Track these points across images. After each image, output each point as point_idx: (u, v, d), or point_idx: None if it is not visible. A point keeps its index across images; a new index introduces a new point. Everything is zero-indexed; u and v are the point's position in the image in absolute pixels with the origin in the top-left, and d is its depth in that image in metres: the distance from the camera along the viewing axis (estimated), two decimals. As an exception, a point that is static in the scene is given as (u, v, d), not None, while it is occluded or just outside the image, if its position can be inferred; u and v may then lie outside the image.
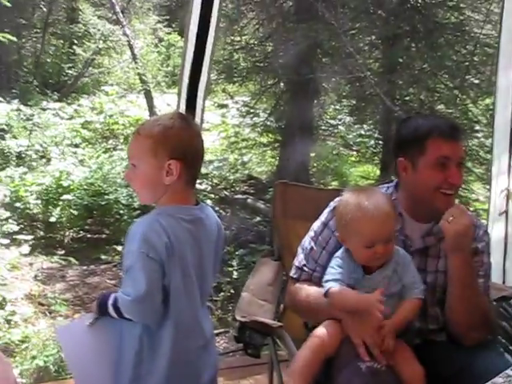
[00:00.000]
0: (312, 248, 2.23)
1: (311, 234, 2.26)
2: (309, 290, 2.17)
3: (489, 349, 2.08)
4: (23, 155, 8.34)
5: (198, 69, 2.45)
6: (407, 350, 1.95)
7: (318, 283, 2.15)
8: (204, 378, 2.01)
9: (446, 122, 2.19)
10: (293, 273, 2.29)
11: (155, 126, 1.91)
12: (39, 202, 6.77)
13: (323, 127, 9.44)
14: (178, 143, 1.87)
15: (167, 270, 1.85)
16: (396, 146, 2.21)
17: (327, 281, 2.03)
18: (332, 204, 2.23)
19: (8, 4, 4.28)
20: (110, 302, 1.93)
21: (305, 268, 2.24)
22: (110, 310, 1.93)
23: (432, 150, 2.04)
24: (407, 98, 7.70)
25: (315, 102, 8.61)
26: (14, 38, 4.56)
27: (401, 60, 7.46)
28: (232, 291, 5.50)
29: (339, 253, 2.07)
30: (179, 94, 2.53)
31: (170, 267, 1.85)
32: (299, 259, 2.28)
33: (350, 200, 1.99)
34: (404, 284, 1.97)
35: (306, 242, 2.27)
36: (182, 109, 2.53)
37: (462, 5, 7.53)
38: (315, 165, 9.04)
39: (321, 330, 1.97)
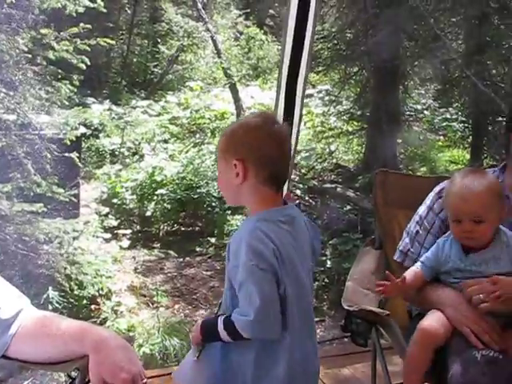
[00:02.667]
0: (418, 232, 2.25)
1: (416, 218, 2.28)
2: None
3: None
4: (117, 152, 8.69)
5: (297, 62, 2.48)
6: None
7: None
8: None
9: None
10: (397, 256, 2.32)
11: (234, 124, 1.87)
12: (134, 197, 7.02)
13: (408, 113, 9.29)
14: (244, 142, 1.76)
15: (280, 277, 1.73)
16: (508, 121, 2.21)
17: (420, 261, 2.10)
18: (437, 188, 2.26)
19: (104, 10, 4.47)
20: (221, 326, 1.77)
21: (409, 253, 2.27)
22: (223, 335, 1.77)
23: None
24: (497, 79, 7.45)
25: (400, 87, 8.48)
26: (113, 42, 4.75)
27: (489, 39, 7.21)
28: (326, 280, 5.54)
29: (447, 234, 2.08)
30: (278, 88, 2.57)
31: (283, 274, 1.73)
32: (404, 243, 2.30)
33: (454, 176, 2.03)
34: None
35: (412, 225, 2.29)
36: (282, 102, 2.57)
37: (555, -24, 7.19)
38: (402, 151, 8.91)
39: (426, 322, 1.96)
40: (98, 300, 5.05)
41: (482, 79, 6.90)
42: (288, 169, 1.85)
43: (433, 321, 1.96)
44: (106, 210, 6.79)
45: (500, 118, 7.40)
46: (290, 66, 2.52)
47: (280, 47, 2.53)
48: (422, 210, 2.28)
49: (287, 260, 1.74)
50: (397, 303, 2.56)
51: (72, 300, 4.74)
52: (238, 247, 1.73)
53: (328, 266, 5.82)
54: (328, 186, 7.94)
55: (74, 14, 4.48)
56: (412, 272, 2.08)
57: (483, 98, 6.61)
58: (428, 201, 2.27)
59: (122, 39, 12.57)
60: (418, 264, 2.09)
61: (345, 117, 8.77)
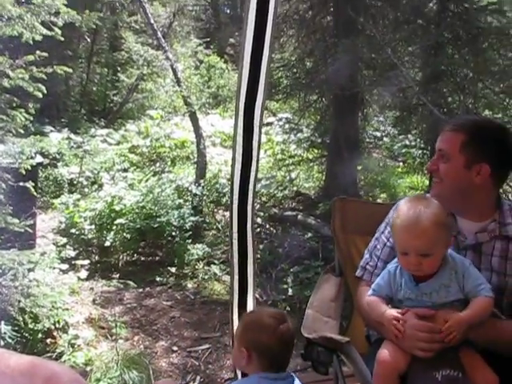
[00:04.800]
0: (375, 246, 2.31)
1: (376, 234, 2.34)
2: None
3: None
4: (75, 182, 8.55)
5: (254, 89, 2.47)
6: (477, 357, 1.88)
7: None
8: None
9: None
10: (357, 272, 2.35)
11: (252, 315, 2.38)
12: (93, 227, 6.88)
13: (367, 140, 9.42)
14: (254, 338, 2.11)
15: None
16: None
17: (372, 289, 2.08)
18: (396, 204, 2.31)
19: (61, 38, 4.42)
20: None
21: (367, 266, 2.31)
22: None
23: None
24: (453, 106, 7.61)
25: (359, 115, 8.61)
26: (70, 70, 4.68)
27: (444, 68, 7.38)
28: (288, 309, 5.49)
29: (395, 260, 2.06)
30: (236, 115, 2.55)
31: None
32: (364, 259, 2.35)
33: (401, 205, 1.99)
34: (467, 291, 1.92)
35: (372, 242, 2.35)
36: (240, 129, 2.55)
37: (504, 8, 7.42)
38: (362, 178, 9.00)
39: (384, 353, 1.93)
40: (54, 333, 4.89)
41: (439, 106, 7.04)
42: (289, 356, 2.17)
43: (390, 350, 1.94)
44: (64, 240, 6.65)
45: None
46: (247, 93, 2.51)
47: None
48: (381, 226, 2.34)
49: None
50: (357, 330, 2.54)
51: (26, 334, 4.58)
52: None
53: (289, 293, 5.78)
54: (289, 213, 7.94)
55: (31, 42, 4.40)
56: (377, 302, 2.05)
57: (440, 124, 6.73)
58: (387, 218, 2.33)
59: (81, 67, 12.49)
60: (370, 292, 2.08)
61: (305, 144, 8.85)
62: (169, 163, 9.68)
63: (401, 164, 10.33)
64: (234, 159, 2.65)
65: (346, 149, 7.73)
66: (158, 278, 6.36)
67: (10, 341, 4.25)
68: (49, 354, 4.60)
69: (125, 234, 6.72)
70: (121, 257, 6.73)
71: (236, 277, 2.91)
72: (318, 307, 2.53)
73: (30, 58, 4.26)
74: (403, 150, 10.30)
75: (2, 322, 4.26)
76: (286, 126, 9.57)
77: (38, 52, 4.32)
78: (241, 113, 2.53)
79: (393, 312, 1.94)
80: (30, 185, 4.47)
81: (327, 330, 2.35)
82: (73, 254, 6.36)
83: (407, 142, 10.15)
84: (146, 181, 7.98)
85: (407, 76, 7.17)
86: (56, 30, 4.60)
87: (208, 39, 15.45)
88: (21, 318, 4.44)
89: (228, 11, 20.35)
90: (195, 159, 8.73)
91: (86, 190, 8.23)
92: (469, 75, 7.46)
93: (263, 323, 2.11)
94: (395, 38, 7.72)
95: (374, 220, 2.45)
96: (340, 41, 7.51)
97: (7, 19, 4.08)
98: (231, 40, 17.41)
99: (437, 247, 1.91)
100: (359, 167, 8.53)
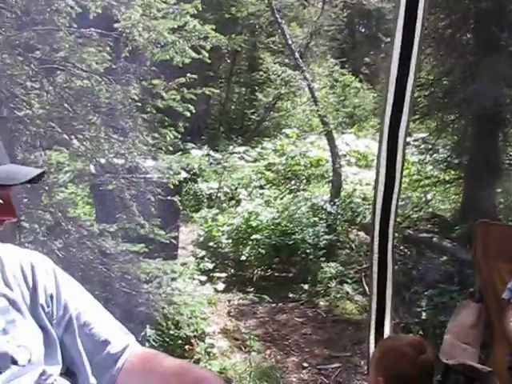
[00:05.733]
0: None
1: None
2: None
3: None
4: (214, 197, 8.92)
5: (398, 110, 2.50)
6: None
7: None
8: None
9: None
10: (504, 294, 2.32)
11: (388, 341, 2.28)
12: (230, 241, 7.13)
13: (508, 161, 9.00)
14: (390, 366, 2.03)
15: None
16: None
17: None
18: None
19: (208, 61, 4.70)
20: None
21: None
22: None
23: None
24: None
25: (500, 135, 8.27)
26: (217, 91, 4.96)
27: None
28: (421, 333, 5.38)
29: None
30: (381, 136, 2.60)
31: None
32: None
33: None
34: None
35: None
36: (384, 150, 2.59)
37: None
38: (502, 200, 8.60)
39: None
40: (192, 341, 5.14)
41: None
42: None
43: None
44: (203, 252, 6.96)
45: None
46: (391, 116, 2.55)
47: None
48: None
49: None
50: (499, 359, 2.49)
51: (168, 339, 4.84)
52: None
53: (423, 317, 5.66)
54: (424, 235, 7.77)
55: (180, 65, 4.71)
56: None
57: None
58: None
59: (221, 87, 13.01)
60: None
61: (442, 165, 8.63)
62: (304, 181, 9.82)
63: (545, 187, 9.75)
64: (376, 181, 2.68)
65: (484, 170, 7.46)
66: (290, 294, 6.47)
67: (153, 343, 4.52)
68: (186, 360, 4.83)
69: (260, 250, 6.90)
70: (255, 271, 6.92)
71: (374, 298, 2.93)
72: (457, 333, 2.51)
73: (182, 80, 4.56)
74: (549, 172, 9.74)
75: (148, 326, 4.55)
76: (422, 146, 9.39)
77: (188, 74, 4.61)
78: (385, 135, 2.58)
79: None
80: (176, 199, 4.76)
81: (466, 357, 2.34)
82: (210, 266, 6.63)
83: (553, 164, 9.59)
84: (282, 198, 8.15)
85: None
86: (204, 53, 4.89)
87: (344, 59, 15.52)
88: (164, 324, 4.71)
89: (363, 30, 20.31)
90: (329, 178, 8.80)
91: (224, 205, 8.54)
92: None
93: (402, 351, 2.03)
94: (541, 54, 7.38)
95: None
96: (481, 59, 7.29)
97: (162, 45, 4.40)
98: (366, 59, 17.38)
99: None
100: (499, 189, 8.17)
